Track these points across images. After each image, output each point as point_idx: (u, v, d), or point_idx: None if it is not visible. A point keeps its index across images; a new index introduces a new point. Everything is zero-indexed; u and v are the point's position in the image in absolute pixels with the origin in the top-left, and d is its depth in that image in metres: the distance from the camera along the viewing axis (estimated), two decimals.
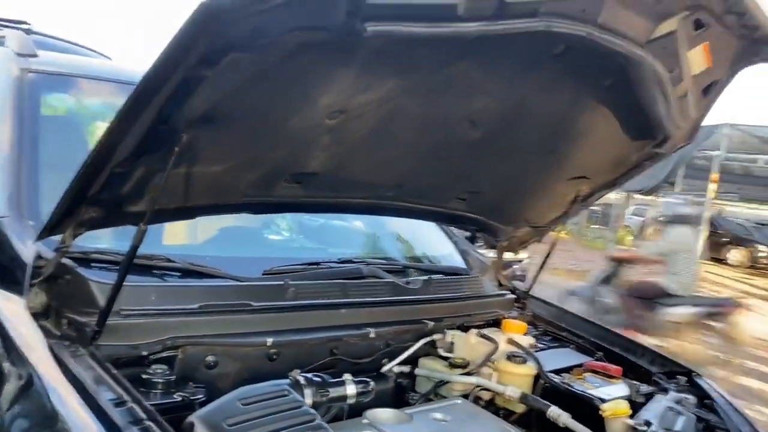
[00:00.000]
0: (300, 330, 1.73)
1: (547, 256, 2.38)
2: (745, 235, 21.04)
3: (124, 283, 1.46)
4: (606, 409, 1.75)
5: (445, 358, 2.07)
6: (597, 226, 23.87)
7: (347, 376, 1.64)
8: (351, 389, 1.61)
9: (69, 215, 1.43)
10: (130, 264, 1.39)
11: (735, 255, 20.46)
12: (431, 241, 2.69)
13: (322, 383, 1.56)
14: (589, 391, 1.91)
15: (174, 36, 1.05)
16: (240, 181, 1.61)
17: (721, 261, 20.22)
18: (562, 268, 12.44)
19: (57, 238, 1.57)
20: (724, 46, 1.67)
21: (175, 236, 2.17)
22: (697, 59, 1.67)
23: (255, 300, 1.71)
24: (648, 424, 1.70)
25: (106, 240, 1.86)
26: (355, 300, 1.91)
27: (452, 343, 2.10)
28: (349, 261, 2.10)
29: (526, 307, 2.49)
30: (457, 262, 2.63)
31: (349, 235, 2.54)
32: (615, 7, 1.38)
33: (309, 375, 1.56)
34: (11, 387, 1.42)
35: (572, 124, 1.92)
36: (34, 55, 2.29)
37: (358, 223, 2.61)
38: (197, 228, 2.21)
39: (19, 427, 1.30)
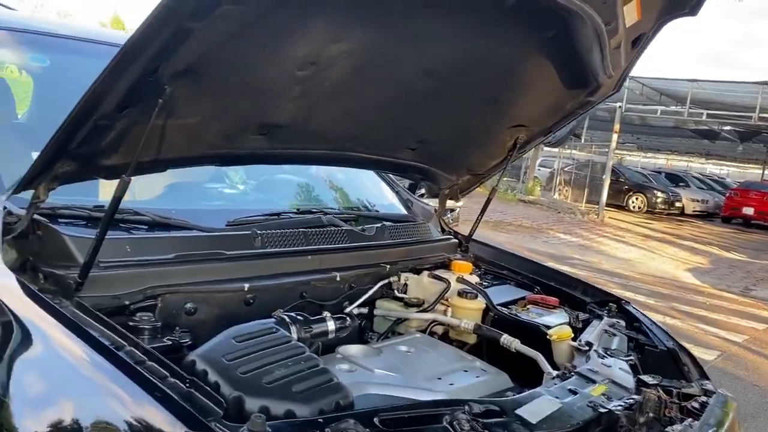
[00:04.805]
0: (271, 276, 1.81)
1: (487, 202, 2.54)
2: (644, 182, 22.41)
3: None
4: (552, 334, 1.94)
5: (400, 299, 2.22)
6: (507, 178, 24.66)
7: (326, 314, 1.74)
8: (331, 325, 1.72)
9: (46, 170, 1.43)
10: (113, 216, 1.42)
11: (635, 201, 21.79)
12: (377, 191, 2.79)
13: (305, 321, 1.66)
14: (534, 320, 2.10)
15: None
16: (210, 132, 1.65)
17: (621, 207, 21.48)
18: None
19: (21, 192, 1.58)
20: (653, 0, 1.84)
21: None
22: (630, 12, 1.82)
23: (226, 249, 1.77)
24: (589, 344, 1.90)
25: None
26: (318, 247, 2.00)
27: (406, 285, 2.25)
28: (308, 211, 2.18)
29: (468, 249, 2.65)
30: (402, 210, 2.75)
31: (300, 187, 2.60)
32: None
33: (291, 314, 1.66)
34: None
35: (514, 75, 2.06)
36: None
37: (305, 175, 2.67)
38: (142, 183, 2.21)
39: (18, 378, 1.33)
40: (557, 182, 21.66)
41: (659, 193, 21.68)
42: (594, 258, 11.25)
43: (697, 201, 22.69)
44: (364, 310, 2.16)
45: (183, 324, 1.60)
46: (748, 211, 20.88)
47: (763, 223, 20.76)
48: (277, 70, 1.53)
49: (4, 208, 1.57)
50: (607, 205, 18.90)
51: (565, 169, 21.88)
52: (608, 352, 1.88)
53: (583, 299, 2.39)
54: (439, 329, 2.18)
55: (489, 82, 2.06)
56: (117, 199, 1.41)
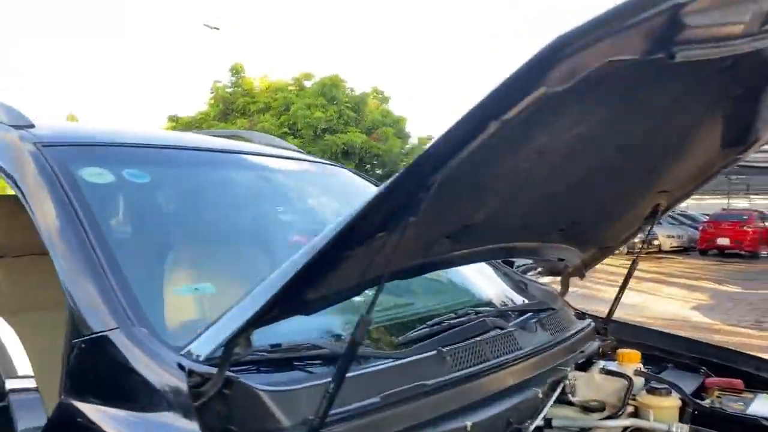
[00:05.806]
0: (480, 404, 1.52)
1: (628, 277, 2.31)
2: None
3: (299, 386, 1.21)
4: None
5: (571, 403, 1.93)
6: None
7: None
8: None
9: (259, 319, 1.14)
10: (350, 362, 1.13)
11: None
12: (488, 275, 2.51)
13: None
14: (747, 411, 1.84)
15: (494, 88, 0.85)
16: (413, 244, 1.38)
17: None
18: None
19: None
20: None
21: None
22: None
23: (423, 378, 1.48)
24: None
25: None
26: (503, 359, 1.72)
27: (574, 386, 1.96)
28: (466, 314, 1.89)
29: (607, 332, 2.39)
30: (519, 295, 2.48)
31: (427, 282, 2.29)
32: None
33: None
34: None
35: (682, 140, 1.86)
36: (32, 126, 1.91)
37: None
38: None
39: None
40: None
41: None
42: (601, 307, 10.94)
43: (673, 237, 22.97)
44: (541, 423, 1.86)
45: None
46: (724, 241, 21.23)
47: (739, 251, 21.08)
48: (505, 166, 1.29)
49: (180, 365, 1.26)
50: None
51: None
52: None
53: (761, 376, 2.14)
54: None
55: (657, 151, 1.85)
56: (357, 342, 1.12)
